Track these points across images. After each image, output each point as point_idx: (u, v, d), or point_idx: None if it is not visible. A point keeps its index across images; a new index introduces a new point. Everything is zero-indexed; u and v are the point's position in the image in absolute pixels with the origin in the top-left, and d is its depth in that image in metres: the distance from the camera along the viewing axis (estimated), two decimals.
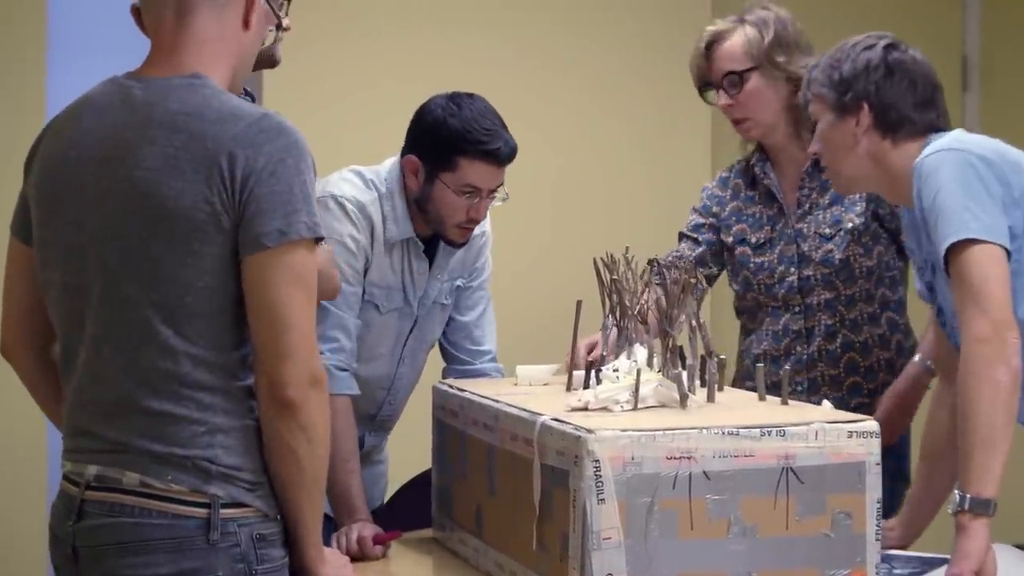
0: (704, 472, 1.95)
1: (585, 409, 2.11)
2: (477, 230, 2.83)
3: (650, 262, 2.50)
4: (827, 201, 2.94)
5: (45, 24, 3.83)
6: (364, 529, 2.56)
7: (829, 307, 2.93)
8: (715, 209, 3.06)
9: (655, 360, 2.31)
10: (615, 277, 2.43)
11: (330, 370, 2.60)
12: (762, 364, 2.37)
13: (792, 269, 2.95)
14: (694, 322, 2.30)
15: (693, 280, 2.29)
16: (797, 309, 2.96)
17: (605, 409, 2.11)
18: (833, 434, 2.00)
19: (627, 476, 1.92)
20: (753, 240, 3.00)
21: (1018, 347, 2.15)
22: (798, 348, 2.96)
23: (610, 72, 4.45)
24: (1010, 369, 2.13)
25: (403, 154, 2.77)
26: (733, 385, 2.69)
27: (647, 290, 2.41)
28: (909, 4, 4.61)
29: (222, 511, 1.91)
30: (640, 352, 2.34)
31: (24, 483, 3.74)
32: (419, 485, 2.86)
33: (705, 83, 2.98)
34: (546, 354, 2.74)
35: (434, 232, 2.78)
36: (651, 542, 1.93)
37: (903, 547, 2.58)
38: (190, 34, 1.99)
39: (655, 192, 4.34)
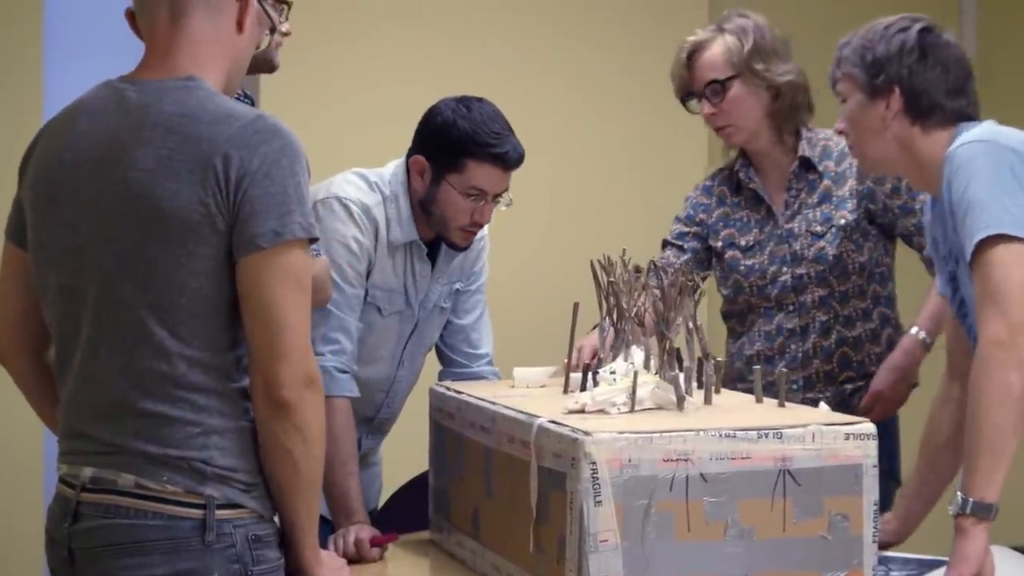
0: (701, 474, 1.94)
1: (582, 411, 2.11)
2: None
3: (650, 264, 2.50)
4: (815, 200, 2.98)
5: (41, 25, 3.83)
6: (361, 531, 2.56)
7: (824, 304, 2.97)
8: (701, 217, 3.09)
9: (652, 362, 2.30)
10: (612, 279, 2.42)
11: (331, 372, 2.60)
12: (759, 366, 2.37)
13: (785, 269, 2.98)
14: (691, 324, 2.30)
15: (690, 282, 2.29)
16: (791, 308, 2.98)
17: (602, 411, 2.11)
18: (830, 436, 2.00)
19: (624, 478, 1.92)
20: (742, 243, 3.03)
21: None
22: (792, 346, 2.99)
23: (607, 75, 4.46)
24: (1023, 374, 2.08)
25: (409, 155, 2.77)
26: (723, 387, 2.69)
27: (644, 292, 2.41)
28: (906, 5, 4.60)
29: (217, 512, 1.91)
30: (637, 354, 2.33)
31: (20, 486, 3.74)
32: (416, 487, 2.87)
33: (687, 93, 3.00)
34: (543, 356, 2.74)
35: (437, 235, 2.78)
36: (648, 544, 1.92)
37: (899, 542, 2.57)
38: (184, 36, 1.99)
39: (651, 194, 4.33)
